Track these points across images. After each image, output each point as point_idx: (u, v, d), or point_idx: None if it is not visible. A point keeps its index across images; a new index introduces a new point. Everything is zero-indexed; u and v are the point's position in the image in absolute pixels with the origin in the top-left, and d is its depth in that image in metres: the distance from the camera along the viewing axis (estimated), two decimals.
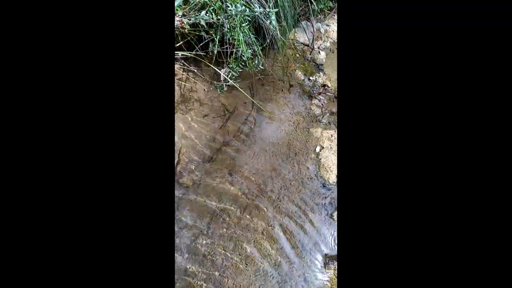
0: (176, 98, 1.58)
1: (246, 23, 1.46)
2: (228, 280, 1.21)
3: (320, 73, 1.98)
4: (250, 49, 1.57)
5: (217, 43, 1.48)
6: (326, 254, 1.35)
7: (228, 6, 1.35)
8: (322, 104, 1.83)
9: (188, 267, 1.22)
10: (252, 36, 1.55)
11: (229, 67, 1.57)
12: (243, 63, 1.59)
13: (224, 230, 1.32)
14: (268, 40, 1.72)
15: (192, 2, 1.31)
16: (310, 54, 2.04)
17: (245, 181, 1.45)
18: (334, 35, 2.21)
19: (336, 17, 2.30)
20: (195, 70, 1.62)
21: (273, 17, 1.57)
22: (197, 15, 1.30)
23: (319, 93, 1.87)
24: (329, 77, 1.97)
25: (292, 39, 2.03)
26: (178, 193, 1.36)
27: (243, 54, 1.51)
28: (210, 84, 1.67)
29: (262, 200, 1.42)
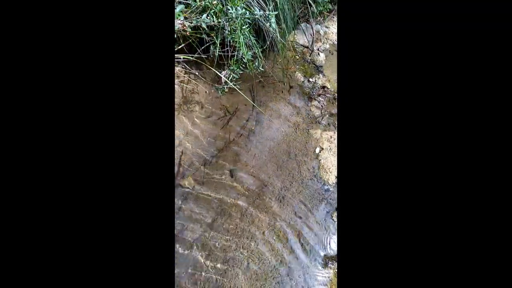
0: (178, 100, 1.60)
1: (247, 26, 1.47)
2: (228, 281, 1.23)
3: (320, 74, 1.99)
4: (251, 51, 1.58)
5: (218, 45, 1.49)
6: (326, 255, 1.37)
7: (229, 9, 1.36)
8: (321, 106, 1.84)
9: (186, 268, 1.23)
10: (252, 38, 1.56)
11: (230, 69, 1.58)
12: (243, 65, 1.60)
13: (225, 232, 1.33)
14: (268, 42, 1.74)
15: (193, 5, 1.32)
16: (309, 56, 2.06)
17: (245, 182, 1.47)
18: (333, 37, 2.23)
19: (335, 19, 2.32)
20: (197, 73, 1.64)
21: (273, 20, 1.58)
22: (198, 18, 1.32)
23: (319, 95, 1.89)
24: (328, 79, 1.99)
25: (292, 41, 2.05)
26: (179, 194, 1.38)
27: (244, 56, 1.53)
28: (212, 86, 1.68)
29: (262, 201, 1.44)
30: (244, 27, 1.45)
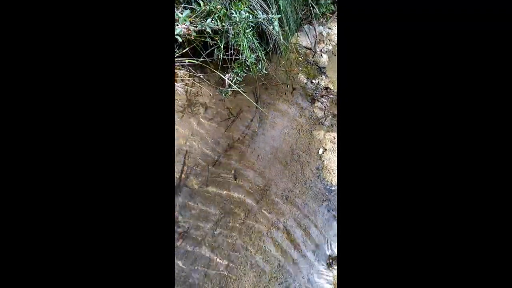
0: (182, 103, 1.62)
1: (250, 29, 1.49)
2: (232, 281, 1.25)
3: (323, 76, 2.01)
4: (254, 54, 1.60)
5: (222, 49, 1.52)
6: (329, 255, 1.38)
7: (233, 13, 1.39)
8: (324, 107, 1.86)
9: (190, 269, 1.26)
10: (255, 41, 1.58)
11: (233, 72, 1.61)
12: (247, 68, 1.62)
13: (229, 232, 1.35)
14: (271, 45, 1.76)
15: (198, 10, 1.35)
16: (312, 58, 2.07)
17: (249, 183, 1.49)
18: (336, 38, 2.24)
19: None
20: (201, 76, 1.66)
21: (276, 23, 1.60)
22: (203, 23, 1.34)
23: (322, 96, 1.90)
24: (331, 80, 2.00)
25: (295, 43, 2.07)
26: (184, 194, 1.40)
27: (247, 59, 1.55)
28: (216, 89, 1.71)
29: (266, 202, 1.45)
30: (247, 31, 1.47)
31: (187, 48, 1.50)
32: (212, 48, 1.56)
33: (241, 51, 1.53)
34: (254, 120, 1.69)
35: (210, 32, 1.40)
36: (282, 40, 1.75)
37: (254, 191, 1.47)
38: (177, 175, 1.44)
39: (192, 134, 1.55)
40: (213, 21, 1.36)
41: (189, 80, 1.64)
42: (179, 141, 1.52)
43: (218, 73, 1.57)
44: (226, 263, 1.28)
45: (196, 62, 1.54)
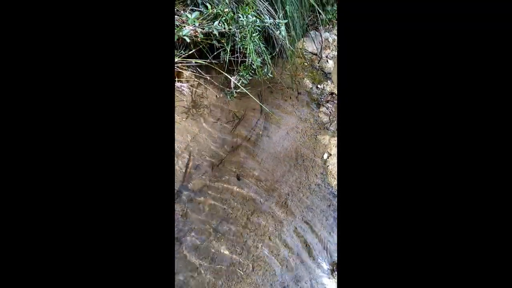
0: (187, 104, 1.63)
1: (257, 33, 1.51)
2: (233, 285, 1.22)
3: (328, 81, 2.01)
4: (260, 57, 1.61)
5: (228, 52, 1.53)
6: (333, 261, 1.35)
7: (240, 17, 1.40)
8: (330, 112, 1.85)
9: (193, 270, 1.24)
10: (262, 45, 1.60)
11: (239, 75, 1.62)
12: (253, 71, 1.63)
13: (231, 234, 1.33)
14: (277, 49, 1.77)
15: (205, 12, 1.37)
16: (318, 63, 2.08)
17: (253, 186, 1.48)
18: None
19: None
20: (208, 77, 1.67)
21: (283, 28, 1.62)
22: (210, 25, 1.36)
23: (327, 101, 1.90)
24: (336, 86, 2.00)
25: (301, 48, 2.08)
26: (185, 197, 1.39)
27: (253, 62, 1.56)
28: (221, 91, 1.72)
29: (269, 206, 1.44)
30: (254, 35, 1.48)
31: (194, 50, 1.52)
32: (219, 51, 1.57)
33: (247, 55, 1.54)
34: (258, 123, 1.69)
35: (217, 35, 1.42)
36: (288, 44, 1.76)
37: (257, 194, 1.46)
38: (180, 176, 1.43)
39: (196, 135, 1.55)
40: (220, 24, 1.38)
41: (194, 81, 1.65)
42: (183, 142, 1.52)
43: (225, 74, 1.58)
44: (227, 266, 1.26)
45: (204, 63, 1.55)
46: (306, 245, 1.36)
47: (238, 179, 1.48)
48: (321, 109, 1.85)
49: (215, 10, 1.37)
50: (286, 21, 1.64)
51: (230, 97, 1.68)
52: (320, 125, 1.77)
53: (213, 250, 1.28)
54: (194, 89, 1.66)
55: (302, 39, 2.08)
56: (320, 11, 2.04)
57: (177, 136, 1.52)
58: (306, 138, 1.70)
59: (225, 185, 1.46)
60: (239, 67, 1.62)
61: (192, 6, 1.42)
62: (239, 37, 1.47)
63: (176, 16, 1.34)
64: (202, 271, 1.23)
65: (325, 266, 1.33)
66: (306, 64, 2.05)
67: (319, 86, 1.96)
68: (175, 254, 1.24)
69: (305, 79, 1.97)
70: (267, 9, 1.59)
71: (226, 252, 1.29)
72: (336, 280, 1.30)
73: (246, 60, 1.58)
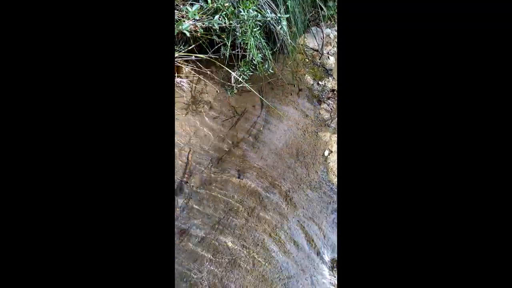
0: (186, 100, 1.62)
1: (258, 28, 1.49)
2: (234, 282, 1.22)
3: (329, 78, 1.99)
4: (261, 53, 1.59)
5: (228, 47, 1.51)
6: (333, 258, 1.34)
7: (241, 12, 1.38)
8: (331, 109, 1.83)
9: (191, 269, 1.23)
10: (263, 40, 1.58)
11: (239, 70, 1.60)
12: (253, 67, 1.61)
13: (232, 231, 1.33)
14: (278, 45, 1.75)
15: (205, 7, 1.35)
16: (319, 59, 2.06)
17: (253, 183, 1.47)
18: None
19: None
20: (208, 72, 1.65)
21: (284, 23, 1.60)
22: (210, 19, 1.34)
23: (328, 98, 1.88)
24: (337, 85, 1.98)
25: (302, 44, 2.06)
26: (186, 192, 1.38)
27: (254, 58, 1.54)
28: (221, 86, 1.70)
29: (269, 202, 1.43)
30: (255, 30, 1.46)
31: (193, 45, 1.50)
32: (219, 45, 1.55)
33: (247, 50, 1.52)
34: (259, 119, 1.67)
35: (217, 30, 1.40)
36: (289, 40, 1.74)
37: (257, 191, 1.45)
38: (180, 173, 1.42)
39: (196, 131, 1.54)
40: (220, 19, 1.36)
41: (194, 76, 1.64)
42: (182, 139, 1.51)
43: (226, 68, 1.56)
44: (227, 263, 1.25)
45: (204, 57, 1.53)
46: (307, 242, 1.36)
47: (239, 176, 1.47)
48: (322, 106, 1.83)
49: (215, 4, 1.35)
50: (287, 15, 1.62)
51: (230, 93, 1.67)
52: (321, 122, 1.76)
53: (213, 246, 1.27)
54: (194, 84, 1.65)
55: (303, 35, 2.06)
56: (322, 6, 2.02)
57: (178, 131, 1.51)
58: (307, 135, 1.68)
59: (225, 181, 1.44)
60: (239, 63, 1.60)
61: (192, 1, 1.40)
62: (240, 32, 1.45)
63: (175, 11, 1.32)
64: (203, 266, 1.22)
65: (326, 262, 1.33)
66: (307, 60, 2.03)
67: (320, 82, 1.94)
68: (178, 248, 1.23)
69: (306, 75, 1.95)
70: (268, 4, 1.57)
71: (229, 246, 1.28)
72: (336, 276, 1.29)
73: (246, 56, 1.56)
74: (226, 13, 1.38)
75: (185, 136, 1.52)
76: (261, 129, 1.64)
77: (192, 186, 1.40)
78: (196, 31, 1.34)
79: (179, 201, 1.35)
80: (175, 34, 1.29)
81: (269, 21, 1.55)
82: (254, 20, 1.43)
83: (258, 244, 1.31)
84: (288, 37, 1.73)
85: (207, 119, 1.60)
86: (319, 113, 1.80)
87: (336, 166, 1.59)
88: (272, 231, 1.35)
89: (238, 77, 1.58)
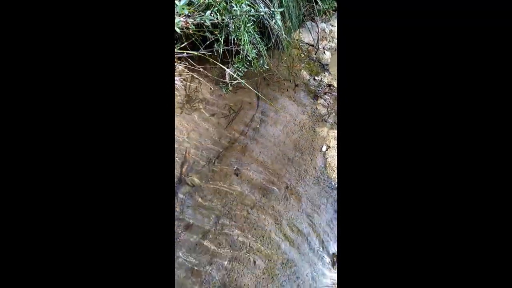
0: (181, 98, 1.59)
1: (251, 23, 1.46)
2: (235, 278, 1.20)
3: (326, 73, 1.97)
4: (255, 49, 1.57)
5: (222, 43, 1.49)
6: (333, 253, 1.33)
7: (233, 7, 1.36)
8: (328, 104, 1.81)
9: (193, 267, 1.21)
10: (257, 36, 1.55)
11: (234, 67, 1.57)
12: (248, 63, 1.59)
13: (231, 229, 1.31)
14: (273, 40, 1.73)
15: (196, 3, 1.32)
16: (315, 54, 2.04)
17: (251, 180, 1.45)
18: None
19: None
20: (201, 69, 1.63)
21: (278, 17, 1.57)
22: (202, 16, 1.32)
23: (325, 93, 1.86)
24: (334, 77, 1.96)
25: (297, 39, 2.03)
26: (184, 192, 1.37)
27: (248, 54, 1.51)
28: (215, 84, 1.68)
29: (268, 199, 1.41)
30: (248, 25, 1.44)
31: (185, 43, 1.47)
32: (211, 41, 1.52)
33: (241, 46, 1.49)
34: (255, 116, 1.65)
35: (210, 26, 1.38)
36: (284, 35, 1.72)
37: (255, 188, 1.43)
38: (177, 172, 1.40)
39: (192, 130, 1.52)
40: (212, 14, 1.33)
41: (188, 74, 1.61)
42: (179, 138, 1.49)
43: (220, 64, 1.53)
44: (228, 259, 1.23)
45: (196, 54, 1.50)
46: (306, 238, 1.34)
47: (236, 175, 1.45)
48: (319, 101, 1.81)
49: (206, 0, 1.33)
50: (281, 9, 1.59)
51: (225, 90, 1.64)
52: (318, 117, 1.74)
53: (213, 244, 1.26)
54: (188, 83, 1.62)
55: (298, 29, 2.04)
56: (316, 0, 1.99)
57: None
58: (304, 131, 1.66)
59: (222, 180, 1.43)
60: (233, 59, 1.57)
61: None
62: (233, 27, 1.43)
63: None
64: (203, 264, 1.21)
65: (326, 258, 1.31)
66: (302, 55, 2.00)
67: (316, 77, 1.92)
68: (178, 246, 1.21)
69: (302, 70, 1.93)
70: None
71: (227, 246, 1.26)
72: (336, 272, 1.28)
73: (240, 52, 1.54)
74: (218, 8, 1.36)
75: (180, 135, 1.50)
76: (258, 126, 1.62)
77: (189, 184, 1.39)
78: (188, 28, 1.32)
79: (176, 199, 1.34)
80: None
81: (263, 15, 1.53)
82: (247, 15, 1.41)
83: (256, 241, 1.29)
84: (283, 32, 1.70)
85: (202, 117, 1.58)
86: (316, 109, 1.77)
87: (334, 161, 1.57)
88: (271, 228, 1.34)
89: (232, 74, 1.56)
